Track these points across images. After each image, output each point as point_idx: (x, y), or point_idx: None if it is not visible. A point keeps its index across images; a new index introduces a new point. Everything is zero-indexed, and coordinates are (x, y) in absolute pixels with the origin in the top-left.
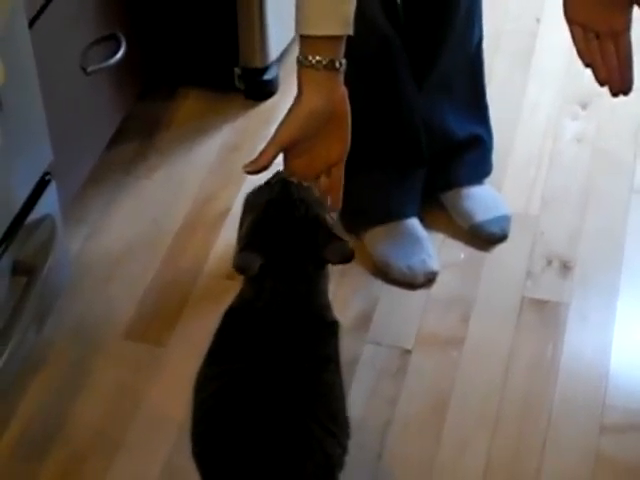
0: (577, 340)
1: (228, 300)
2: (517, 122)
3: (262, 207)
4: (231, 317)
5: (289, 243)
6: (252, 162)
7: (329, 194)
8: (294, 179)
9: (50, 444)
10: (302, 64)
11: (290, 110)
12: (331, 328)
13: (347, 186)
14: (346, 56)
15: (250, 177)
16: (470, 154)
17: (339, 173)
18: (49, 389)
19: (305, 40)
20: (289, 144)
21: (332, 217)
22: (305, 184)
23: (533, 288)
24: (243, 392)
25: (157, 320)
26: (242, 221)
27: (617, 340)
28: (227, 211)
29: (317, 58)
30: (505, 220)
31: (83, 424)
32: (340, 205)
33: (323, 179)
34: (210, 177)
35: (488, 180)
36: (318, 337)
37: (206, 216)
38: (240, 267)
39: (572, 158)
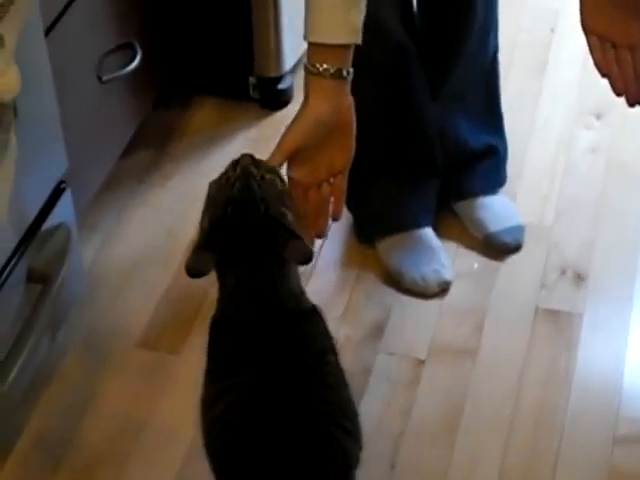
0: (591, 351)
1: None
2: (531, 132)
3: (222, 206)
4: (217, 328)
5: (246, 244)
6: None
7: (331, 203)
8: (256, 172)
9: (62, 453)
10: (309, 72)
11: (296, 118)
12: (313, 318)
13: (361, 195)
14: (361, 63)
15: None
16: (484, 164)
17: (342, 182)
18: (62, 398)
19: (313, 48)
20: (294, 152)
21: (290, 209)
22: (268, 176)
23: (547, 298)
24: (256, 403)
25: (171, 329)
26: (203, 214)
27: (631, 351)
28: None
29: (324, 66)
30: (519, 230)
31: (95, 434)
32: (342, 215)
33: (325, 187)
34: None
35: (502, 190)
36: (305, 333)
37: None
38: (191, 270)
39: (586, 168)
